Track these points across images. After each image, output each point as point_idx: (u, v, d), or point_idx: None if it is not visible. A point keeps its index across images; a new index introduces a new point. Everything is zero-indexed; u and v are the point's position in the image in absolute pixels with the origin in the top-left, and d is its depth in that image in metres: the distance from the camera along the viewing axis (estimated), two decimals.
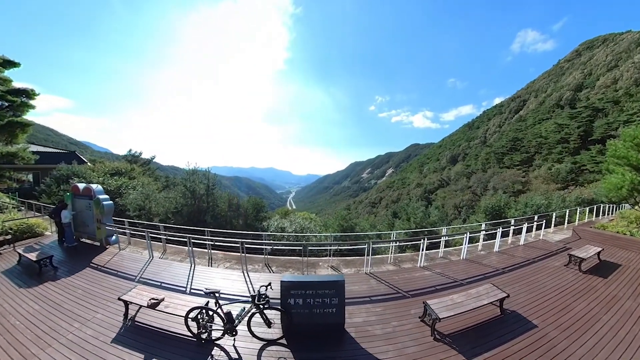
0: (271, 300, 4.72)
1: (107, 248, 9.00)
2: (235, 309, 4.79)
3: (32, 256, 7.30)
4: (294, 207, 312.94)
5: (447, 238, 8.93)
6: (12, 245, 9.23)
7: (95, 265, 7.50)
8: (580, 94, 71.09)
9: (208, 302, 4.62)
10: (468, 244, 8.64)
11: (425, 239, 7.53)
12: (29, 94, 14.59)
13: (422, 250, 7.67)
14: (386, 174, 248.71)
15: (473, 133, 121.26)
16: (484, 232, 9.34)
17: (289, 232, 11.94)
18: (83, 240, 9.79)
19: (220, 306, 4.35)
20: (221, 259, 8.39)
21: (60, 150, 28.27)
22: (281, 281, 4.53)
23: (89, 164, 26.44)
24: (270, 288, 4.52)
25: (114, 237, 9.46)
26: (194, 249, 9.40)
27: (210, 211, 14.39)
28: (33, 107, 15.68)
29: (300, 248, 8.14)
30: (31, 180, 22.82)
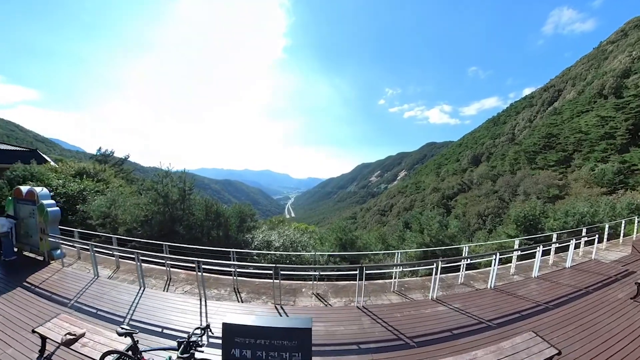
0: (210, 349, 4.00)
1: (50, 263, 8.48)
2: (161, 358, 4.07)
3: None
4: (293, 214, 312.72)
5: (470, 261, 7.99)
6: None
7: (29, 285, 6.99)
8: (628, 81, 69.51)
9: (137, 341, 3.86)
10: (498, 264, 7.78)
11: (440, 262, 6.60)
12: None
13: (436, 274, 6.72)
14: (398, 178, 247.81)
15: (499, 129, 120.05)
16: (518, 252, 8.46)
17: (274, 248, 11.21)
18: (25, 253, 9.28)
19: (139, 353, 3.60)
20: (182, 280, 7.72)
21: (18, 148, 28.01)
22: (223, 323, 3.77)
23: (52, 163, 26.10)
24: (210, 332, 3.80)
25: (59, 251, 8.89)
26: (154, 267, 8.75)
27: (184, 220, 13.75)
28: None
29: (273, 272, 7.34)
30: None
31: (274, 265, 6.61)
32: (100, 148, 32.76)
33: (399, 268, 7.63)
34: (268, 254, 10.47)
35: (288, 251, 11.30)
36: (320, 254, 11.10)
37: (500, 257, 7.95)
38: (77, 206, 16.97)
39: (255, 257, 11.87)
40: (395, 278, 7.60)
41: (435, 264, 6.62)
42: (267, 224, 18.60)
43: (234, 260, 8.17)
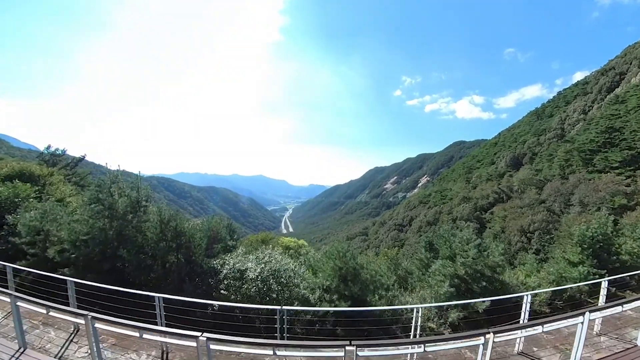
0: None
1: None
2: None
3: None
4: (291, 229, 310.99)
5: (542, 327, 5.91)
6: None
7: None
8: None
9: None
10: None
11: (492, 335, 4.77)
12: None
13: (485, 349, 5.04)
14: (418, 184, 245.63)
15: (544, 124, 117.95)
16: (603, 295, 6.86)
17: (249, 281, 9.83)
18: None
19: None
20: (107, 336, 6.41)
21: None
22: None
23: None
24: None
25: None
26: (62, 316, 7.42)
27: (129, 241, 12.51)
28: None
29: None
30: None
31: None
32: (49, 146, 32.08)
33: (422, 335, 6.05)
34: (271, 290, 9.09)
35: (268, 284, 9.94)
36: (310, 290, 9.71)
37: (568, 300, 6.41)
38: (6, 216, 15.91)
39: (222, 290, 10.54)
40: (415, 329, 6.06)
41: (483, 338, 4.90)
42: (250, 243, 17.36)
43: (160, 313, 6.83)
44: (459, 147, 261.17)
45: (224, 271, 10.84)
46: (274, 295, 9.34)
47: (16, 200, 17.48)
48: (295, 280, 10.28)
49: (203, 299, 10.86)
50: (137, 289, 12.80)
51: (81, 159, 32.99)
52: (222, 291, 10.27)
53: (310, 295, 9.34)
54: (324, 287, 9.59)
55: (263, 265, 10.08)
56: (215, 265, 11.78)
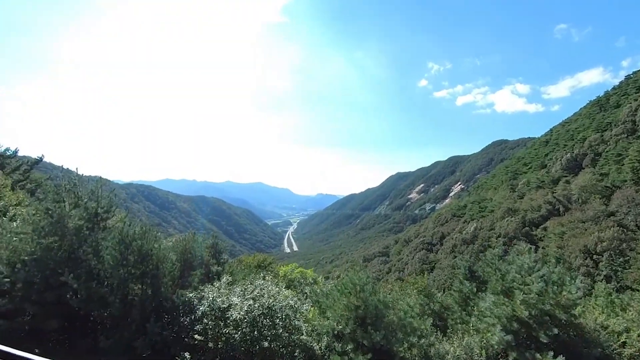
0: None
1: None
2: None
3: None
4: (295, 247, 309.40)
5: None
6: None
7: None
8: None
9: None
10: None
11: None
12: None
13: None
14: (451, 193, 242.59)
15: (609, 116, 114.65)
16: None
17: (232, 322, 8.77)
18: None
19: None
20: None
21: None
22: None
23: None
24: None
25: None
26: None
27: (82, 265, 11.71)
28: None
29: None
30: None
31: None
32: None
33: None
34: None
35: (258, 328, 8.86)
36: (315, 336, 8.60)
37: None
38: None
39: (197, 335, 9.48)
40: None
41: None
42: (235, 269, 16.39)
43: None
44: (500, 147, 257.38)
45: (201, 308, 9.81)
46: (266, 344, 8.25)
47: None
48: (296, 322, 9.20)
49: (173, 346, 9.89)
50: (89, 328, 11.97)
51: (38, 161, 32.69)
52: (195, 335, 9.24)
53: (316, 345, 8.22)
54: (335, 331, 8.46)
55: (252, 301, 9.01)
56: (191, 300, 10.81)
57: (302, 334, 8.78)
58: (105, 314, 11.31)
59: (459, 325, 10.38)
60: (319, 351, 8.26)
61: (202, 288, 11.49)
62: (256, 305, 9.12)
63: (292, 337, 8.81)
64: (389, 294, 14.27)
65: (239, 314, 8.98)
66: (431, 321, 8.86)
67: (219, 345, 9.35)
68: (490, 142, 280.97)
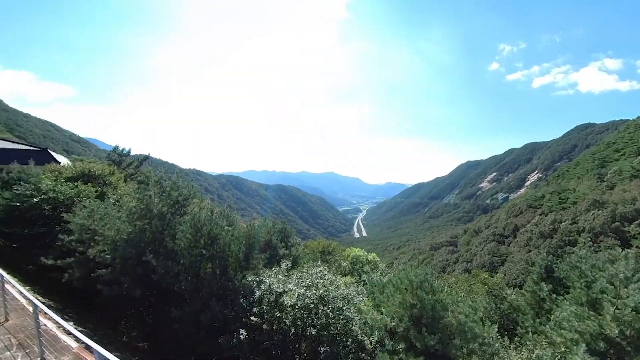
0: None
1: None
2: None
3: None
4: (364, 233, 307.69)
5: None
6: None
7: None
8: None
9: None
10: None
11: None
12: None
13: None
14: (526, 183, 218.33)
15: None
16: None
17: (285, 310, 8.27)
18: None
19: None
20: None
21: (28, 147, 32.97)
22: None
23: (63, 163, 29.54)
24: None
25: None
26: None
27: (161, 245, 12.23)
28: None
29: None
30: None
31: None
32: (117, 146, 36.39)
33: None
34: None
35: (310, 315, 8.24)
36: (369, 329, 7.67)
37: None
38: (62, 214, 17.58)
39: (252, 317, 9.19)
40: None
41: None
42: (295, 253, 16.02)
43: None
44: (585, 131, 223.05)
45: (258, 292, 9.51)
46: (314, 332, 7.59)
47: (76, 200, 19.34)
48: (347, 313, 8.39)
49: (232, 323, 9.81)
50: (165, 299, 12.58)
51: (145, 158, 36.67)
52: (252, 317, 8.96)
53: (366, 339, 7.32)
54: (387, 327, 7.45)
55: (304, 289, 8.40)
56: (251, 283, 10.61)
57: (354, 325, 7.97)
58: (182, 289, 11.74)
59: (530, 334, 8.52)
60: (369, 345, 7.36)
61: (262, 272, 11.26)
62: (308, 294, 8.50)
63: (343, 326, 8.04)
64: (452, 290, 12.66)
65: (292, 300, 8.44)
66: (496, 329, 7.31)
67: (273, 327, 8.98)
68: (573, 127, 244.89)
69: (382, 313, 7.65)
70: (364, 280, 13.16)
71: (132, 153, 35.75)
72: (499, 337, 7.68)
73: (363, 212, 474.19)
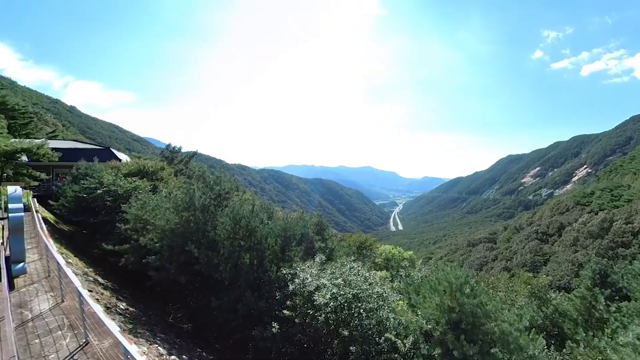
0: None
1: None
2: None
3: None
4: (400, 227, 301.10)
5: None
6: None
7: None
8: None
9: None
10: None
11: None
12: None
13: None
14: (573, 178, 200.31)
15: None
16: None
17: (317, 307, 7.90)
18: None
19: None
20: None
21: (95, 146, 35.62)
22: None
23: (123, 160, 31.60)
24: None
25: (20, 266, 8.70)
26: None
27: (202, 236, 12.42)
28: None
29: None
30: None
31: None
32: (169, 144, 38.33)
33: None
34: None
35: (343, 314, 7.82)
36: (403, 330, 7.10)
37: None
38: (121, 206, 18.57)
39: (285, 310, 8.93)
40: None
41: None
42: (331, 246, 15.61)
43: None
44: None
45: (291, 286, 9.25)
46: (345, 333, 7.16)
47: (132, 193, 20.52)
48: (381, 313, 7.84)
49: (266, 315, 9.67)
50: (206, 286, 12.80)
51: (194, 154, 38.34)
52: (285, 311, 8.72)
53: (399, 342, 6.75)
54: (423, 330, 6.83)
55: (336, 288, 7.95)
56: (285, 276, 10.39)
57: (388, 327, 7.43)
58: (219, 278, 11.85)
59: (582, 348, 7.36)
60: (403, 348, 6.78)
61: (297, 265, 10.99)
62: (342, 292, 8.06)
63: (376, 327, 7.53)
64: (491, 289, 11.58)
65: (324, 298, 8.05)
66: (544, 343, 6.35)
67: (306, 321, 8.69)
68: (628, 118, 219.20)
69: (417, 315, 7.04)
70: (401, 275, 12.48)
71: (183, 150, 37.61)
72: (546, 349, 6.72)
73: (399, 206, 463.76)
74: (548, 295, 11.02)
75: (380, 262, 18.85)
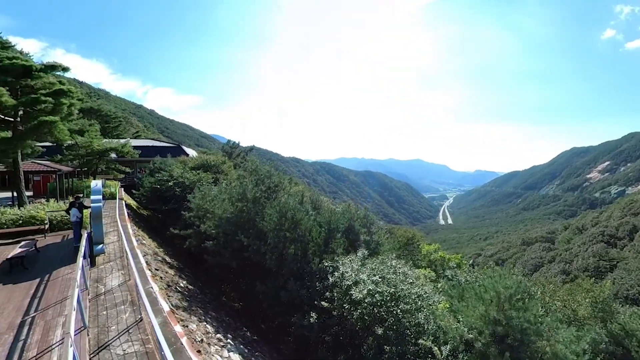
0: None
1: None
2: None
3: (18, 252, 9.03)
4: (450, 221, 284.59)
5: None
6: (44, 235, 12.44)
7: (48, 277, 8.27)
8: None
9: None
10: None
11: None
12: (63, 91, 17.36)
13: None
14: None
15: None
16: None
17: (354, 302, 7.49)
18: None
19: None
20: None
21: (168, 144, 38.75)
22: None
23: (191, 155, 34.04)
24: None
25: (99, 247, 9.87)
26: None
27: (251, 226, 12.67)
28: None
29: None
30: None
31: None
32: (229, 140, 40.36)
33: None
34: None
35: (380, 312, 7.36)
36: (442, 334, 6.41)
37: None
38: (188, 196, 19.88)
39: (324, 302, 8.68)
40: None
41: None
42: (377, 239, 15.00)
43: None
44: None
45: (331, 279, 8.98)
46: (379, 331, 6.69)
47: (197, 184, 21.92)
48: (419, 314, 7.21)
49: (306, 303, 9.55)
50: (254, 271, 13.10)
51: (251, 149, 39.98)
52: (323, 302, 8.49)
53: (436, 348, 6.09)
54: (463, 339, 6.09)
55: (374, 285, 7.48)
56: (327, 269, 10.15)
57: (425, 330, 6.78)
58: (265, 265, 12.03)
59: None
60: (440, 354, 6.11)
61: (339, 259, 10.68)
62: (378, 290, 7.57)
63: (413, 328, 6.93)
64: (548, 296, 10.10)
65: (361, 294, 7.65)
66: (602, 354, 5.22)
67: (343, 314, 8.39)
68: None
69: (459, 321, 6.28)
70: (446, 276, 11.47)
71: (242, 145, 39.41)
72: None
73: (449, 200, 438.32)
74: (613, 308, 9.28)
75: (423, 261, 17.71)
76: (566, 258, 71.38)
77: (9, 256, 8.76)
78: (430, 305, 7.54)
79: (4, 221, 12.46)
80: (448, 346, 6.12)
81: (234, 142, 38.13)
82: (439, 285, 10.11)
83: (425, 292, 8.00)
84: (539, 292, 8.42)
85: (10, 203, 17.59)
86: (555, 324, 5.79)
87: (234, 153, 36.58)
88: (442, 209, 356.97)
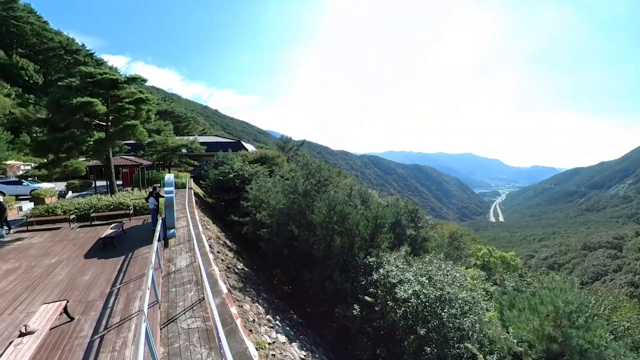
0: None
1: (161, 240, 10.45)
2: None
3: (109, 232, 10.35)
4: (501, 218, 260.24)
5: None
6: (129, 218, 13.95)
7: (131, 255, 9.45)
8: None
9: None
10: None
11: None
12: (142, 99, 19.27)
13: None
14: None
15: None
16: None
17: (398, 301, 7.15)
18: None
19: None
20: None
21: (229, 140, 41.01)
22: None
23: (249, 150, 35.77)
24: None
25: (172, 231, 10.87)
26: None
27: (302, 218, 12.84)
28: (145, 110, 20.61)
29: None
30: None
31: None
32: (283, 135, 41.51)
33: None
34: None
35: (423, 313, 6.97)
36: (488, 343, 5.84)
37: None
38: (246, 187, 20.90)
39: (367, 297, 8.49)
40: None
41: None
42: (424, 234, 14.26)
43: None
44: None
45: (375, 276, 8.73)
46: (422, 332, 6.32)
47: (255, 176, 22.92)
48: (465, 320, 6.65)
49: (350, 296, 9.45)
50: (303, 260, 13.31)
51: (302, 143, 40.67)
52: (366, 297, 8.30)
53: (481, 357, 5.55)
54: (511, 351, 5.46)
55: (420, 286, 7.07)
56: (371, 264, 9.90)
57: (470, 336, 6.22)
58: (313, 255, 12.14)
59: None
60: None
61: (384, 255, 10.31)
62: (424, 291, 7.15)
63: (457, 333, 6.41)
64: (613, 310, 8.62)
65: (406, 293, 7.30)
66: None
67: (386, 309, 8.13)
68: None
69: (508, 331, 5.63)
70: (496, 279, 10.49)
71: (294, 139, 40.36)
72: None
73: (502, 196, 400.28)
74: None
75: (474, 261, 16.30)
76: (635, 268, 60.37)
77: (102, 236, 10.07)
78: (477, 312, 6.91)
79: (100, 206, 14.42)
80: (495, 356, 5.54)
81: (287, 137, 39.15)
82: (490, 287, 9.22)
83: (473, 298, 7.35)
84: (601, 308, 7.15)
85: (105, 190, 20.43)
86: (624, 350, 4.84)
87: (287, 147, 37.60)
88: (494, 205, 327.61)
